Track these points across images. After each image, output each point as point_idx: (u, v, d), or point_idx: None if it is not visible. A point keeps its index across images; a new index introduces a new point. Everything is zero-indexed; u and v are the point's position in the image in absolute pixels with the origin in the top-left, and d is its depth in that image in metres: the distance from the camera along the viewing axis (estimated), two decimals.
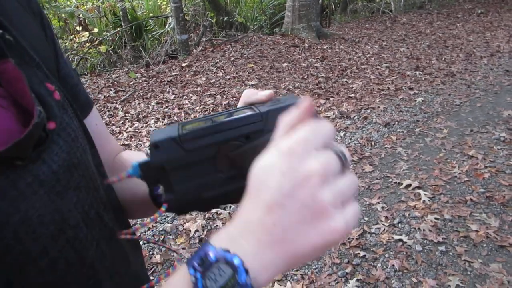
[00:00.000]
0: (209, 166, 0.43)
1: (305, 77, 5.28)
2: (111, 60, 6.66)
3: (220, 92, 4.83)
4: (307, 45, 6.65)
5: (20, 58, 0.39)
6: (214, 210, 2.77)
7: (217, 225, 2.64)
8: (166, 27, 7.30)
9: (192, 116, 4.29)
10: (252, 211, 0.34)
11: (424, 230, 2.47)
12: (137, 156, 0.66)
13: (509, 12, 8.70)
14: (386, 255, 2.32)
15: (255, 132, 0.42)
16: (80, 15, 6.61)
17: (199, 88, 4.99)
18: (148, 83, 5.28)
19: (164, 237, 2.57)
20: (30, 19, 0.47)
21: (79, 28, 6.69)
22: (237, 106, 0.51)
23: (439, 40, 6.83)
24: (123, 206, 0.57)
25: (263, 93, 0.50)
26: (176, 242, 2.51)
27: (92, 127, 0.50)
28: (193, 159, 0.42)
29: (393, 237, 2.44)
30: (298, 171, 0.33)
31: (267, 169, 0.34)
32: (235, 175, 0.42)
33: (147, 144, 3.75)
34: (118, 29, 7.11)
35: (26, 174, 0.35)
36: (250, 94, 0.51)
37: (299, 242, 0.33)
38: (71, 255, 0.40)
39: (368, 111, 4.24)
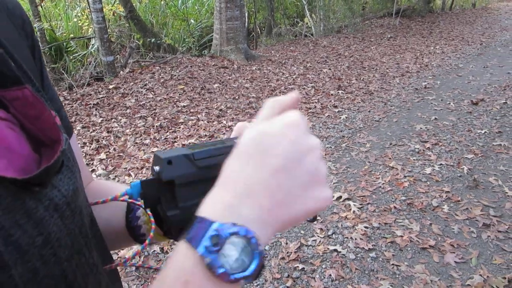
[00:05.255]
0: (212, 185, 0.44)
1: (236, 97, 5.39)
2: None
3: (151, 114, 4.74)
4: (236, 66, 6.80)
5: (29, 85, 0.39)
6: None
7: (154, 250, 2.56)
8: (89, 48, 7.02)
9: (123, 139, 4.14)
10: (256, 174, 0.35)
11: (355, 239, 2.63)
12: (109, 186, 0.64)
13: (414, 37, 9.72)
14: (323, 266, 2.42)
15: None
16: None
17: (128, 111, 4.85)
18: (72, 106, 5.01)
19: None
20: (22, 40, 0.46)
21: None
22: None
23: (357, 61, 7.40)
24: None
25: None
26: None
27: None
28: (202, 177, 0.43)
29: (328, 248, 2.56)
30: (304, 141, 0.37)
31: (274, 135, 0.37)
32: None
33: None
34: None
35: (43, 198, 0.35)
36: (244, 128, 0.50)
37: (296, 206, 0.36)
38: (80, 280, 0.40)
39: None
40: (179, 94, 5.40)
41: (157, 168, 0.43)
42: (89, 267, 0.42)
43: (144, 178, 0.45)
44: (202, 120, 4.59)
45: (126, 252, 2.54)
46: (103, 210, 0.57)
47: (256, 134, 0.37)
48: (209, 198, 0.35)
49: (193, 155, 0.43)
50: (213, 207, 0.34)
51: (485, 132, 4.15)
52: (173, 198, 0.43)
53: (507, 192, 3.04)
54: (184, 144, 3.99)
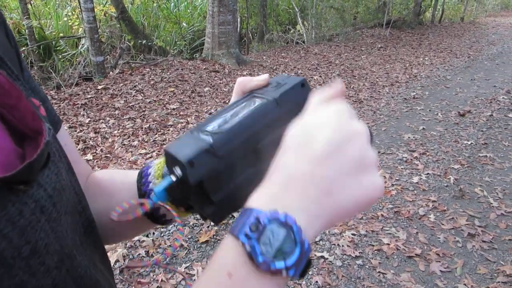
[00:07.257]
0: (239, 165, 0.41)
1: (227, 101, 5.37)
2: None
3: (140, 116, 4.70)
4: (227, 70, 6.80)
5: (4, 70, 0.36)
6: (136, 238, 2.64)
7: (139, 254, 2.51)
8: (79, 48, 6.95)
9: (111, 140, 4.09)
10: (298, 164, 0.34)
11: (343, 246, 2.62)
12: (111, 174, 0.60)
13: (404, 48, 9.85)
14: (310, 272, 2.40)
15: (275, 119, 0.43)
16: None
17: (117, 112, 4.80)
18: (59, 106, 4.93)
19: None
20: None
21: None
22: (233, 96, 0.49)
23: (347, 70, 7.46)
24: (103, 228, 0.53)
25: (260, 79, 0.48)
26: None
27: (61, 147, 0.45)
28: (226, 164, 0.40)
29: (315, 254, 2.55)
30: (347, 128, 0.35)
31: (316, 125, 0.36)
32: (261, 165, 0.40)
33: None
34: (24, 48, 6.59)
35: (28, 200, 0.31)
36: (245, 82, 0.48)
37: (344, 196, 0.33)
38: (73, 286, 0.37)
39: None
40: (169, 97, 5.37)
41: (178, 171, 0.39)
42: (83, 269, 0.40)
43: (163, 182, 0.42)
44: (191, 123, 4.57)
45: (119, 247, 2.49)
46: (111, 200, 0.54)
47: (299, 126, 0.37)
48: (255, 192, 0.35)
49: (212, 146, 0.39)
50: (257, 199, 0.34)
51: (472, 143, 4.20)
52: (205, 195, 0.40)
53: (492, 203, 3.08)
54: None
